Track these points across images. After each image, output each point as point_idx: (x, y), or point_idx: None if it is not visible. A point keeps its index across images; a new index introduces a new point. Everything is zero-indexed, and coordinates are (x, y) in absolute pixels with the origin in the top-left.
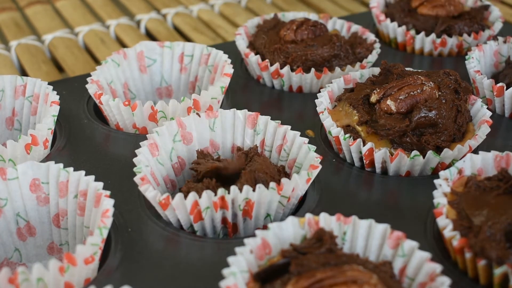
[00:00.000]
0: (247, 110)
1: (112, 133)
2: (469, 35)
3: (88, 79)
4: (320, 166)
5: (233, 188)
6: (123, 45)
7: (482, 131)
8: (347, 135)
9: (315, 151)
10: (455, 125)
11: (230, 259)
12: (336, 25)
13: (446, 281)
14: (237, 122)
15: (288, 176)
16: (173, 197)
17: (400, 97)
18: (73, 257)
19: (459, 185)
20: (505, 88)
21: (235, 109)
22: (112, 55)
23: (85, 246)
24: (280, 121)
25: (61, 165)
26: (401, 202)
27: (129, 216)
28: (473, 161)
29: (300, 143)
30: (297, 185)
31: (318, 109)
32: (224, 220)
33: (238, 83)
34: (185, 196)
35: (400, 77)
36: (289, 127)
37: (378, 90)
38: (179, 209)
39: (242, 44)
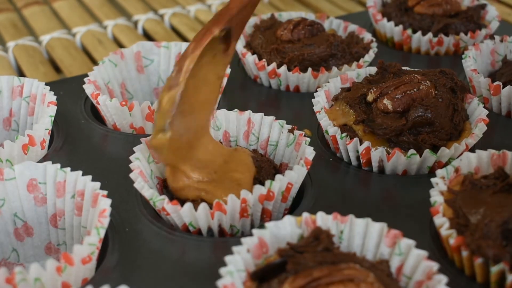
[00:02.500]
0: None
1: (109, 133)
2: (466, 34)
3: (85, 79)
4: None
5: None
6: (120, 45)
7: (479, 130)
8: (344, 134)
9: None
10: (452, 124)
11: (227, 258)
12: (333, 24)
13: (443, 279)
14: None
15: (263, 156)
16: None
17: (397, 96)
18: (70, 257)
19: (455, 183)
20: (501, 86)
21: None
22: (109, 56)
23: (83, 246)
24: (237, 110)
25: (58, 165)
26: (398, 200)
27: (126, 216)
28: (469, 160)
29: (270, 122)
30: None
31: (315, 108)
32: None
33: (235, 83)
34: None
35: (396, 76)
36: (250, 111)
37: (375, 89)
38: (187, 217)
39: (239, 44)
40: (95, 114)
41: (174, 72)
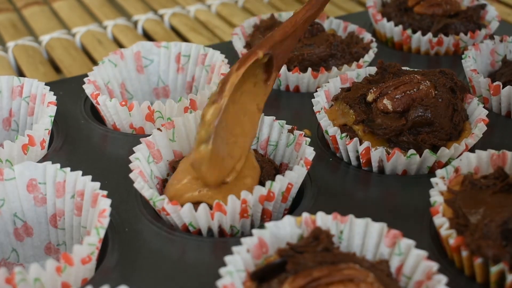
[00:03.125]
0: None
1: (109, 133)
2: (466, 34)
3: (85, 79)
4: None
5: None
6: (120, 45)
7: (479, 130)
8: (344, 134)
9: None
10: (452, 124)
11: (227, 258)
12: (333, 24)
13: (442, 279)
14: (193, 125)
15: (263, 156)
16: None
17: (397, 96)
18: (70, 257)
19: (455, 183)
20: (501, 86)
21: (187, 113)
22: (109, 56)
23: (82, 246)
24: None
25: (58, 165)
26: (398, 201)
27: (126, 216)
28: (469, 160)
29: (270, 122)
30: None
31: (315, 108)
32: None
33: None
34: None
35: (396, 76)
36: None
37: (375, 89)
38: (187, 217)
39: (239, 44)
40: (95, 114)
41: (218, 88)
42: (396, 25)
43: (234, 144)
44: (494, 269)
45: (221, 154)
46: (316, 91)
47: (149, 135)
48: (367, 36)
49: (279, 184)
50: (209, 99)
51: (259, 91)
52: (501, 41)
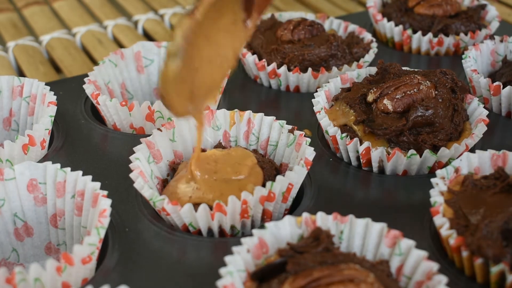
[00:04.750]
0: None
1: (109, 133)
2: (466, 34)
3: (86, 79)
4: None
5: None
6: (120, 45)
7: (479, 130)
8: (344, 135)
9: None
10: (452, 124)
11: (227, 258)
12: (333, 24)
13: (443, 279)
14: (194, 125)
15: (263, 156)
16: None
17: (397, 97)
18: (70, 257)
19: (456, 184)
20: (501, 87)
21: None
22: (109, 56)
23: (83, 246)
24: (237, 110)
25: (58, 165)
26: (398, 201)
27: (126, 216)
28: (469, 160)
29: (270, 122)
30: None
31: (315, 108)
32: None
33: (235, 83)
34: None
35: (396, 77)
36: (250, 111)
37: (375, 90)
38: (187, 217)
39: None
40: (95, 114)
41: (193, 4)
42: (396, 25)
43: (203, 79)
44: (495, 270)
45: (189, 82)
46: (316, 91)
47: (149, 135)
48: (368, 36)
49: (279, 184)
50: (183, 14)
51: (238, 32)
52: (501, 41)
